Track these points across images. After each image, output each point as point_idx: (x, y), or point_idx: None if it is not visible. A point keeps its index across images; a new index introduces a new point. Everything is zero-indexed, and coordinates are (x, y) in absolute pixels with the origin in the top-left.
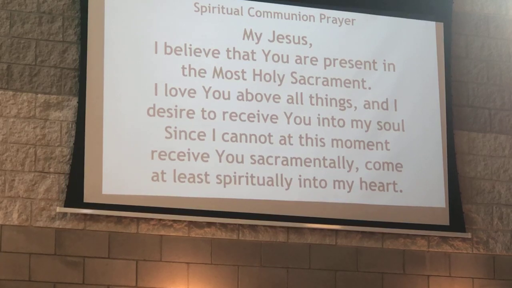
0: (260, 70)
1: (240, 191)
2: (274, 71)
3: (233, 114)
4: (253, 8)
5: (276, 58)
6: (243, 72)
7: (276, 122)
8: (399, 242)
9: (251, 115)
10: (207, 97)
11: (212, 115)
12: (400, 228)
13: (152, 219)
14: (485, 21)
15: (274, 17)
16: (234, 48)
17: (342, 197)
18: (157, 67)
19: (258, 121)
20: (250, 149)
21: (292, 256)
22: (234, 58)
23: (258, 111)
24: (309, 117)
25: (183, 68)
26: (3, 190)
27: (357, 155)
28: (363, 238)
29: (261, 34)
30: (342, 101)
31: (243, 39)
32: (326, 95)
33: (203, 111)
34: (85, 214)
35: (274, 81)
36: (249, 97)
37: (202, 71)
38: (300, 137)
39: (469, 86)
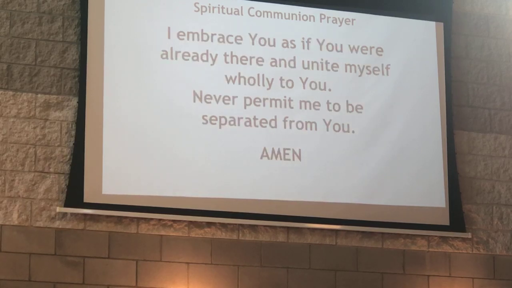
0: (260, 71)
1: (240, 191)
2: (274, 71)
3: (231, 119)
4: (253, 8)
5: (275, 58)
6: (242, 73)
7: (275, 127)
8: (399, 242)
9: (248, 118)
10: (206, 100)
11: (213, 119)
12: (400, 228)
13: (152, 219)
14: (485, 21)
15: (274, 17)
16: (234, 48)
17: (342, 197)
18: (157, 67)
19: (255, 125)
20: (250, 149)
21: (292, 256)
22: (233, 58)
23: (255, 116)
24: (308, 118)
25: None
26: (3, 190)
27: (357, 154)
28: (363, 238)
29: (261, 34)
30: (342, 102)
31: (243, 39)
32: (327, 96)
33: (202, 113)
34: (85, 214)
35: (273, 83)
36: (247, 101)
37: (202, 71)
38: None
39: (469, 86)
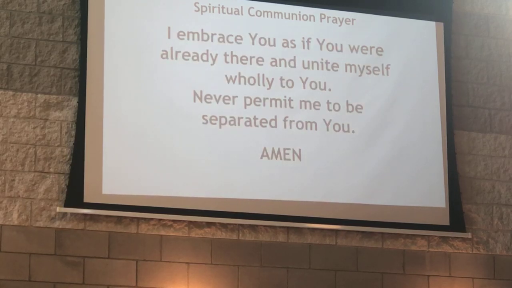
0: (260, 70)
1: (240, 191)
2: (274, 71)
3: (231, 119)
4: (253, 8)
5: (275, 58)
6: (242, 73)
7: (275, 127)
8: (399, 242)
9: (249, 118)
10: (206, 100)
11: (213, 119)
12: (400, 228)
13: (152, 219)
14: (485, 21)
15: (274, 17)
16: (234, 48)
17: (342, 197)
18: (157, 67)
19: (255, 125)
20: (250, 149)
21: (292, 256)
22: (233, 58)
23: (255, 116)
24: (308, 118)
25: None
26: (3, 190)
27: (357, 154)
28: (363, 238)
29: (261, 34)
30: (342, 102)
31: (243, 39)
32: (327, 96)
33: (202, 113)
34: (85, 214)
35: (274, 82)
36: (248, 101)
37: (202, 71)
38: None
39: (469, 86)
